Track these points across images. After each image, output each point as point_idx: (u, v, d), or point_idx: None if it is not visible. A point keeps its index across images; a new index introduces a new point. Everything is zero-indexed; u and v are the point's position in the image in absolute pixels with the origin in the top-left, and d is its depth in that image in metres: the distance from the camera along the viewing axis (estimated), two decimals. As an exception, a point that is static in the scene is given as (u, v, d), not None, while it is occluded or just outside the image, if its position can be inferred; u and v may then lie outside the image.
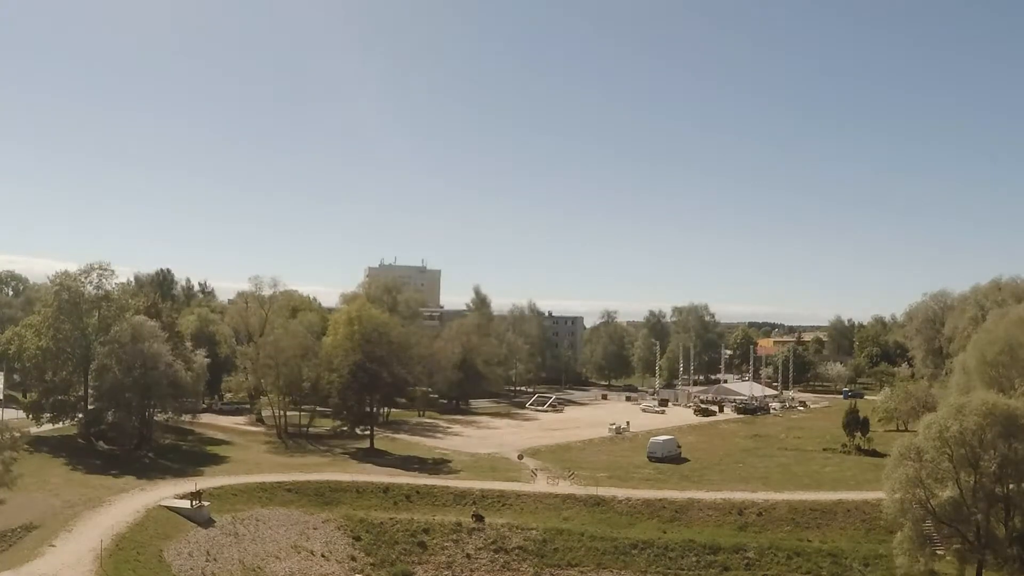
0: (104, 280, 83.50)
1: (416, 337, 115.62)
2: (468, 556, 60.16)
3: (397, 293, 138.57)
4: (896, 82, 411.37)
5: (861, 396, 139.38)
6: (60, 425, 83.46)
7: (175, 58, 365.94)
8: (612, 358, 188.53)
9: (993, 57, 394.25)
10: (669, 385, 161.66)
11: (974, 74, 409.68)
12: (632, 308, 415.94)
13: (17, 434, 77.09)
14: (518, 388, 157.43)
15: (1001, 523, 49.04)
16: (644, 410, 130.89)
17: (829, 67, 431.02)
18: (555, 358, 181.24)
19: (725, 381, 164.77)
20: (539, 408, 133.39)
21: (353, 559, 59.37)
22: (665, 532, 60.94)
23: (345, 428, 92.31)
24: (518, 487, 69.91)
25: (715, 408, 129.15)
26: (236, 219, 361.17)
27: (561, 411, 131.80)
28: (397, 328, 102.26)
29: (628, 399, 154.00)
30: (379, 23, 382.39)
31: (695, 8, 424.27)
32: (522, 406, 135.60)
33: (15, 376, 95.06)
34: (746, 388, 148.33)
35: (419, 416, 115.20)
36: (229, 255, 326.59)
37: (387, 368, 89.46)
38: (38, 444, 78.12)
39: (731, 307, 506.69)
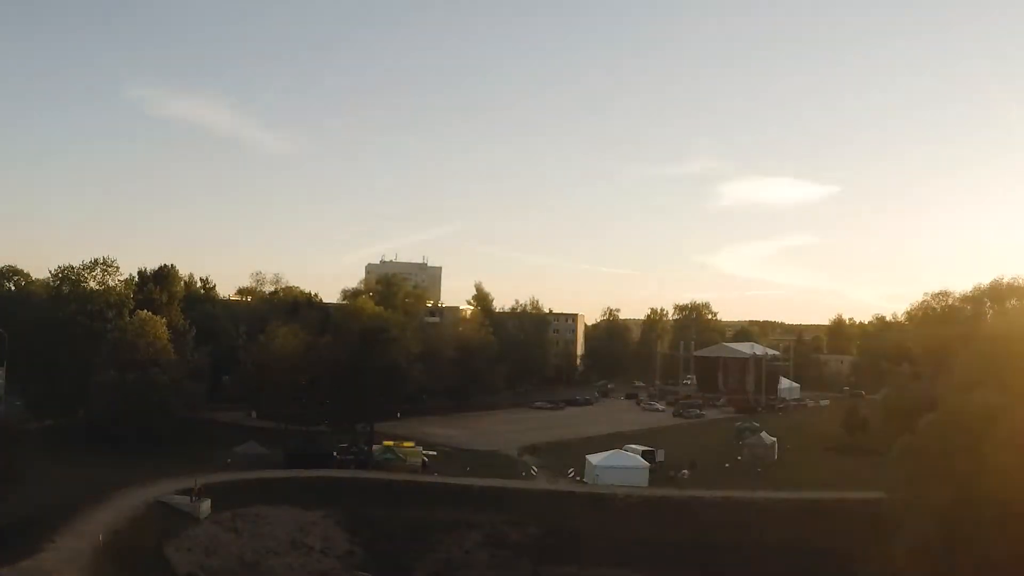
0: (107, 275, 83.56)
1: (416, 332, 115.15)
2: (467, 552, 60.28)
3: (397, 288, 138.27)
4: (895, 78, 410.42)
5: (861, 395, 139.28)
6: (61, 420, 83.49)
7: (175, 55, 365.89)
8: (613, 356, 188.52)
9: (993, 57, 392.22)
10: (668, 384, 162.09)
11: (973, 73, 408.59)
12: (633, 307, 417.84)
13: (17, 429, 77.65)
14: (518, 385, 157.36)
15: (1002, 525, 48.99)
16: (644, 409, 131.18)
17: (828, 68, 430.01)
18: (556, 355, 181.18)
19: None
20: (539, 405, 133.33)
21: (352, 554, 59.52)
22: (664, 530, 60.95)
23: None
24: (518, 484, 69.96)
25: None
26: (237, 217, 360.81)
27: (561, 408, 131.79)
28: (397, 322, 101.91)
29: (627, 397, 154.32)
30: (380, 18, 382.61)
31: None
32: (522, 404, 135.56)
33: (16, 371, 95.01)
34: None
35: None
36: (230, 253, 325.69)
37: (386, 363, 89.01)
38: (38, 439, 78.29)
39: (732, 306, 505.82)
